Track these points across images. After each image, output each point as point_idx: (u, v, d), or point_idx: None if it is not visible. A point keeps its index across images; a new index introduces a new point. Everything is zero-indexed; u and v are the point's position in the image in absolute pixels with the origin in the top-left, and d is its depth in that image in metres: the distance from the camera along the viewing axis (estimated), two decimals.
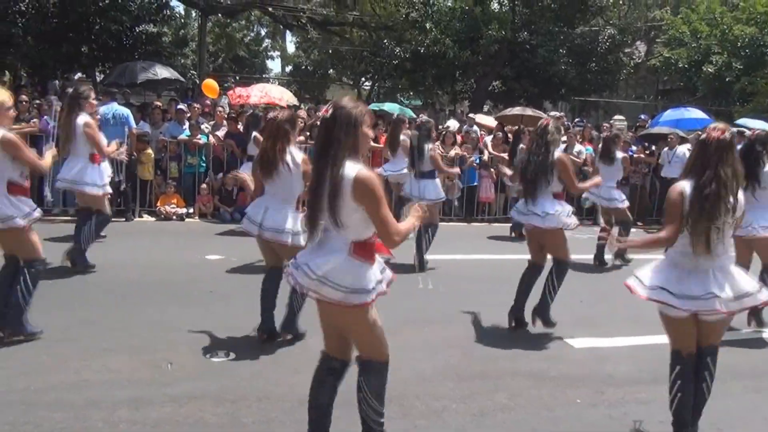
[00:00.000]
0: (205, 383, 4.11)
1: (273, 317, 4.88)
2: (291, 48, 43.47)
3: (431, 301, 6.11)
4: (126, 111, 9.53)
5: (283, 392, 4.03)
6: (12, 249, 4.65)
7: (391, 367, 4.41)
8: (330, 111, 2.92)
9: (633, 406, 4.14)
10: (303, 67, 40.08)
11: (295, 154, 4.77)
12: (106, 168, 6.85)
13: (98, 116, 8.35)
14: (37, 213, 4.70)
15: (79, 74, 18.63)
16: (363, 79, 33.35)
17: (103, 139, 6.71)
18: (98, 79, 17.78)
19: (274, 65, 48.17)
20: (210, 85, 12.01)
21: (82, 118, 6.47)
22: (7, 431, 3.38)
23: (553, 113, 16.06)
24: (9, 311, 4.56)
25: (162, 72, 12.57)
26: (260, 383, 4.16)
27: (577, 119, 19.07)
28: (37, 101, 10.88)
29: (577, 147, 12.17)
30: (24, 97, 10.44)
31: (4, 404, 3.64)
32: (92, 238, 6.70)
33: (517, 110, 14.42)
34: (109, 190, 6.87)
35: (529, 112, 14.19)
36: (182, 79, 13.64)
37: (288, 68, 43.88)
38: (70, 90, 6.78)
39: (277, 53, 45.27)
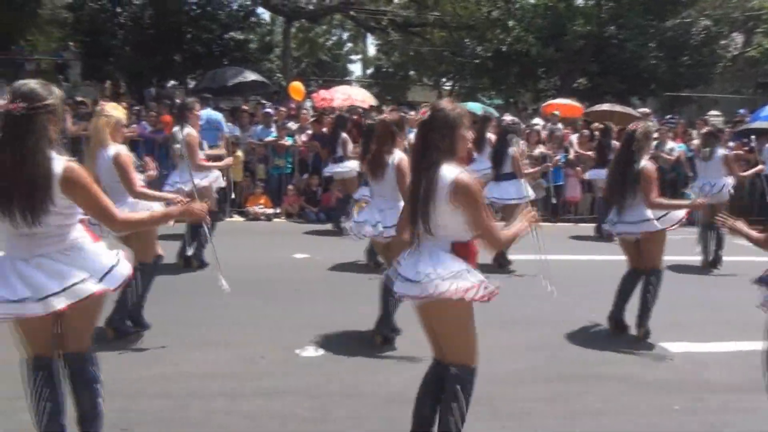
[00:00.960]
0: (295, 378, 4.22)
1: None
2: (372, 51, 43.95)
3: (516, 302, 6.03)
4: (219, 116, 9.92)
5: (371, 389, 4.08)
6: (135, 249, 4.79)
7: (479, 368, 4.39)
8: (428, 113, 2.93)
9: (734, 414, 3.95)
10: (384, 70, 40.41)
11: (398, 156, 4.81)
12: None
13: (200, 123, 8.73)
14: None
15: (172, 82, 19.57)
16: (444, 79, 33.25)
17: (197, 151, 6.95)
18: (190, 86, 18.59)
19: (356, 68, 48.73)
20: (296, 88, 12.31)
21: (186, 131, 6.76)
22: (115, 418, 3.56)
23: (641, 110, 15.51)
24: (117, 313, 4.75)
25: (250, 75, 13.01)
26: (349, 380, 4.23)
27: (668, 116, 18.27)
28: (136, 108, 11.49)
29: (669, 144, 11.71)
30: (124, 104, 11.04)
31: (113, 393, 3.82)
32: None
33: (605, 107, 14.02)
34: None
35: (618, 108, 13.76)
36: (269, 82, 14.07)
37: (369, 71, 44.36)
38: (179, 101, 7.04)
39: (358, 56, 45.91)
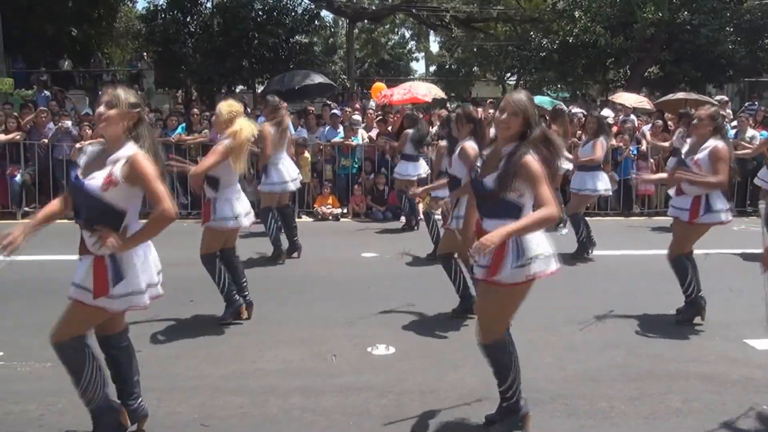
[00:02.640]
0: (368, 375, 4.25)
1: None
2: (435, 48, 43.80)
3: (591, 298, 5.91)
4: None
5: (445, 387, 4.06)
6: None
7: (554, 365, 4.32)
8: None
9: None
10: (447, 67, 40.21)
11: None
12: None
13: None
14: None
15: (240, 87, 20.08)
16: (508, 74, 32.79)
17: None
18: (258, 90, 19.01)
19: (419, 66, 48.69)
20: (380, 89, 12.40)
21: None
22: (195, 413, 3.71)
23: (718, 98, 14.82)
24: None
25: (316, 78, 13.19)
26: (421, 377, 4.23)
27: (747, 103, 17.41)
28: (207, 113, 11.84)
29: (750, 132, 11.15)
30: (195, 110, 11.42)
31: (194, 389, 4.00)
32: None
33: (679, 95, 13.47)
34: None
35: (693, 96, 13.19)
36: (334, 84, 14.24)
37: (432, 68, 44.21)
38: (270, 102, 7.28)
39: (421, 54, 45.80)
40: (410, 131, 9.14)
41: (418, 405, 3.84)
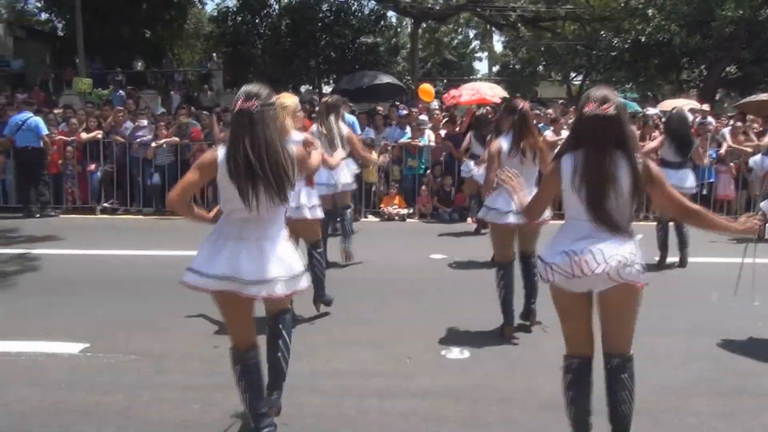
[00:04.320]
0: (444, 380, 4.20)
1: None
2: (498, 48, 43.33)
3: (675, 308, 5.68)
4: (352, 118, 10.15)
5: (522, 395, 3.97)
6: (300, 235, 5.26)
7: (638, 378, 4.15)
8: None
9: None
10: (510, 66, 39.70)
11: None
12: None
13: None
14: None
15: (306, 87, 20.33)
16: (573, 74, 32.17)
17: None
18: (324, 90, 19.23)
19: (482, 66, 48.29)
20: (426, 90, 12.36)
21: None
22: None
23: None
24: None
25: (384, 78, 13.24)
26: (498, 384, 4.15)
27: None
28: None
29: None
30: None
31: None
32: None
33: (762, 97, 12.86)
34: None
35: None
36: (401, 84, 14.25)
37: (495, 68, 43.77)
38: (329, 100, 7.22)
39: (485, 54, 45.41)
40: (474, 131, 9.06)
41: (496, 412, 3.76)
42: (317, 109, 7.01)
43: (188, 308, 5.50)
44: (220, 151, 3.09)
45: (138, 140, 10.87)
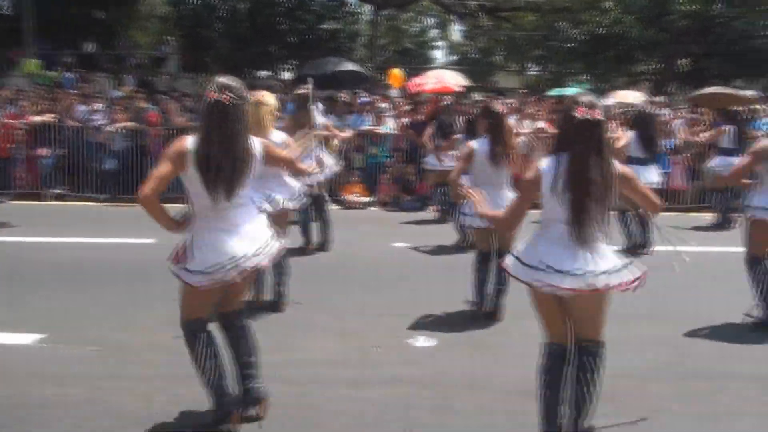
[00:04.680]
0: (413, 368, 4.22)
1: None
2: (457, 37, 43.43)
3: (636, 295, 5.78)
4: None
5: (491, 381, 4.02)
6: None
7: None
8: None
9: None
10: (469, 56, 39.88)
11: None
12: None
13: None
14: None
15: (264, 72, 20.00)
16: (529, 65, 32.62)
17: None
18: (284, 77, 18.98)
19: (440, 55, 48.38)
20: (396, 75, 12.30)
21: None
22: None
23: (751, 93, 14.51)
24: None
25: (348, 65, 13.15)
26: (466, 370, 4.19)
27: None
28: None
29: None
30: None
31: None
32: None
33: (712, 90, 13.18)
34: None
35: (728, 91, 12.92)
36: (366, 72, 14.15)
37: (453, 57, 43.90)
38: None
39: (444, 43, 45.48)
40: (437, 120, 9.08)
41: (466, 398, 3.80)
42: (293, 99, 6.90)
43: (149, 297, 5.40)
44: (189, 141, 3.03)
45: (93, 124, 10.54)
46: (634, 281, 3.04)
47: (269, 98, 4.98)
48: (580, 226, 2.91)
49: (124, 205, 9.90)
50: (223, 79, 3.07)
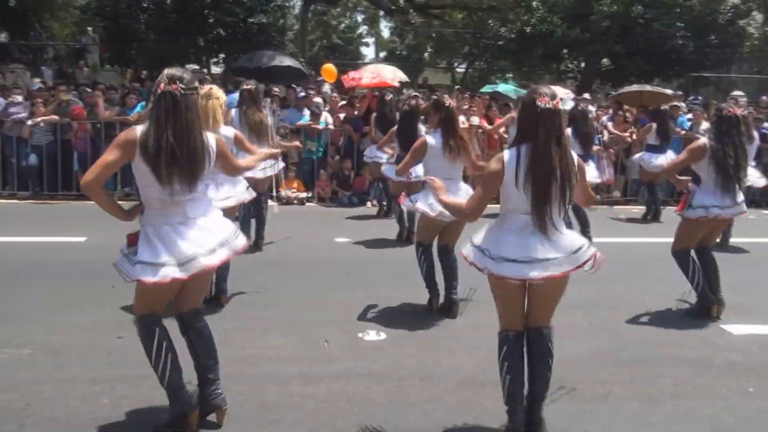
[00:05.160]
0: (365, 362, 4.20)
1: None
2: (386, 33, 43.64)
3: (573, 285, 5.95)
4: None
5: (443, 373, 4.04)
6: None
7: None
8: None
9: None
10: (397, 53, 40.14)
11: None
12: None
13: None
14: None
15: (194, 66, 19.42)
16: (457, 62, 33.19)
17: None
18: (212, 71, 18.54)
19: (368, 51, 48.44)
20: (329, 70, 12.19)
21: None
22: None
23: (668, 92, 15.27)
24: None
25: (285, 61, 12.94)
26: (418, 363, 4.20)
27: (691, 97, 18.05)
28: None
29: (704, 125, 11.52)
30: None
31: (187, 377, 3.83)
32: None
33: (635, 88, 13.81)
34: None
35: (648, 88, 13.55)
36: (305, 69, 13.98)
37: (382, 54, 44.08)
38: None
39: (372, 39, 45.59)
40: (378, 114, 9.06)
41: (420, 390, 3.81)
42: (241, 96, 6.66)
43: (81, 297, 5.17)
44: (138, 130, 2.96)
45: (12, 118, 9.96)
46: (590, 260, 3.12)
47: (219, 91, 4.92)
48: (544, 215, 2.97)
49: (49, 203, 9.44)
50: (172, 71, 3.02)
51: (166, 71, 3.01)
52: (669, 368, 4.25)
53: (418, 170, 7.38)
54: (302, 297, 5.51)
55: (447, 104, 5.10)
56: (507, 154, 3.04)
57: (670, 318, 5.25)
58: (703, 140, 5.19)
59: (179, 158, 2.92)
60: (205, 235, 3.06)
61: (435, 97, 5.33)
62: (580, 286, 5.88)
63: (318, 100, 11.40)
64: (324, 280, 6.05)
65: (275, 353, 4.28)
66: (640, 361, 4.37)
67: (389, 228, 7.99)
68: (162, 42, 16.57)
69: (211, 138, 3.14)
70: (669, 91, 15.01)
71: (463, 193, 4.88)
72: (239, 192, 5.17)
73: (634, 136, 11.25)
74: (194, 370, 3.28)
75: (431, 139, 5.05)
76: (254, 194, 5.34)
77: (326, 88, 14.28)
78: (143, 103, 10.57)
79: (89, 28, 20.98)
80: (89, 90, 11.09)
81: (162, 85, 2.95)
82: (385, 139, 8.08)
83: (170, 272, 2.94)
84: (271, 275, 6.15)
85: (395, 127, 7.39)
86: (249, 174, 6.57)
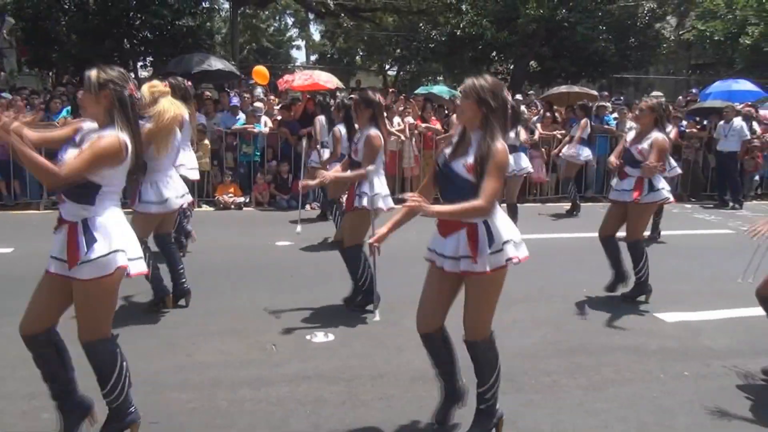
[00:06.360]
0: (314, 363, 4.17)
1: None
2: (317, 37, 43.50)
3: (511, 281, 6.08)
4: None
5: (394, 371, 4.07)
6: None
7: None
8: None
9: (744, 378, 4.11)
10: (329, 56, 40.10)
11: None
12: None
13: None
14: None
15: (119, 69, 18.70)
16: (387, 65, 33.49)
17: None
18: (139, 74, 17.98)
19: (299, 55, 48.18)
20: (261, 72, 12.04)
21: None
22: (142, 411, 3.42)
23: (593, 92, 15.89)
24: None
25: (216, 64, 12.70)
26: (368, 362, 4.21)
27: (614, 98, 18.82)
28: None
29: (629, 123, 12.02)
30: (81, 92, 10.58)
31: (133, 385, 3.72)
32: None
33: (563, 89, 14.29)
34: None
35: (575, 89, 14.05)
36: (237, 71, 13.73)
37: (313, 57, 43.91)
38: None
39: (302, 42, 45.36)
40: (323, 117, 9.02)
41: (372, 390, 3.82)
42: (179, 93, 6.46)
43: (12, 310, 4.91)
44: (123, 135, 2.89)
45: None
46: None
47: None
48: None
49: None
50: (123, 70, 3.04)
51: (122, 72, 3.00)
52: (609, 356, 4.42)
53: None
54: (246, 301, 5.44)
55: (377, 100, 5.12)
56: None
57: (606, 309, 5.45)
58: (662, 136, 5.41)
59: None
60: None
61: (362, 94, 5.26)
62: (519, 282, 6.10)
63: (259, 104, 11.24)
64: (268, 284, 5.98)
65: (223, 359, 4.20)
66: (581, 350, 4.52)
67: (330, 230, 7.95)
68: (85, 45, 15.93)
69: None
70: (594, 92, 15.60)
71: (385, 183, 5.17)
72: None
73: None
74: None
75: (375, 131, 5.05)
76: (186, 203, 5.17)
77: (258, 91, 14.12)
78: (69, 107, 10.18)
79: (4, 31, 20.00)
80: (7, 95, 10.56)
81: (132, 86, 2.99)
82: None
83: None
84: (214, 280, 6.03)
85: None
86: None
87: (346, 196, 5.19)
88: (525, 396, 3.80)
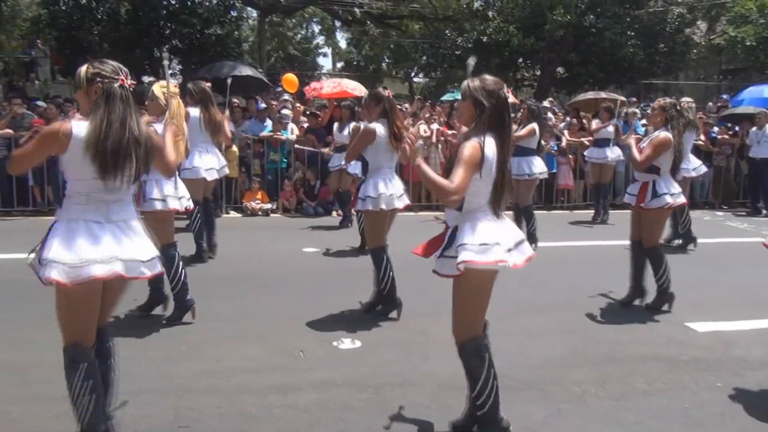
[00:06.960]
0: (342, 370, 4.18)
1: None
2: (344, 44, 43.72)
3: (539, 288, 6.08)
4: None
5: (420, 378, 4.06)
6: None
7: (518, 353, 4.41)
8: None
9: None
10: (355, 63, 40.28)
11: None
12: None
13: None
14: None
15: (149, 78, 19.10)
16: (413, 72, 33.54)
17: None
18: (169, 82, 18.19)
19: (326, 62, 48.48)
20: (290, 80, 12.14)
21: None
22: (171, 416, 3.50)
23: (621, 98, 15.71)
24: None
25: (245, 70, 12.85)
26: (395, 370, 4.20)
27: (643, 104, 18.59)
28: None
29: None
30: None
31: (162, 391, 3.78)
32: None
33: (590, 95, 14.16)
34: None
35: (603, 95, 13.89)
36: (266, 79, 13.86)
37: (339, 64, 44.14)
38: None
39: (328, 50, 45.63)
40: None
41: (399, 397, 3.81)
42: (196, 96, 6.61)
43: (34, 315, 5.00)
44: (76, 125, 2.84)
45: None
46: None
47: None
48: (501, 204, 3.13)
49: (4, 219, 9.17)
50: (117, 63, 3.02)
51: (114, 63, 2.98)
52: (640, 366, 4.35)
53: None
54: (273, 307, 5.47)
55: (386, 95, 5.19)
56: (488, 146, 3.04)
57: (636, 318, 5.38)
58: (665, 133, 5.35)
59: (132, 152, 2.89)
60: (134, 242, 2.95)
61: (371, 92, 5.39)
62: (548, 290, 6.06)
63: (286, 111, 11.33)
64: (294, 290, 6.01)
65: (250, 364, 4.23)
66: (611, 360, 4.46)
67: (356, 236, 7.98)
68: (117, 53, 16.22)
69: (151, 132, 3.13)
70: (623, 98, 15.43)
71: (398, 183, 5.25)
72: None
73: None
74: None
75: (379, 127, 5.10)
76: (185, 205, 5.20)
77: (285, 98, 14.23)
78: None
79: (38, 41, 20.44)
80: (42, 103, 10.80)
81: (119, 76, 2.91)
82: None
83: (88, 272, 2.77)
84: (240, 286, 6.08)
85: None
86: (191, 176, 6.45)
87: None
88: (553, 406, 3.76)
